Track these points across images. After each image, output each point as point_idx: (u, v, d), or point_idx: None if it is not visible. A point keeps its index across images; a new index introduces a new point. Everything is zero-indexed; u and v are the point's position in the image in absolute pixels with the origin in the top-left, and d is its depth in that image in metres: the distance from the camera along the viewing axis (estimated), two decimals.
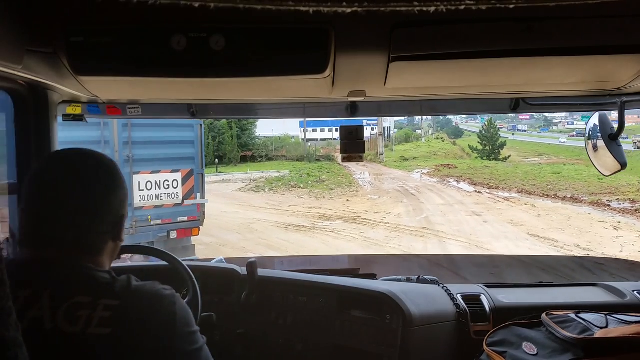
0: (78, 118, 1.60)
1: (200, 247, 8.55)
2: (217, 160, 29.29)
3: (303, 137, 39.30)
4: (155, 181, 6.98)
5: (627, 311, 1.44)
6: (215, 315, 1.63)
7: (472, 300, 1.73)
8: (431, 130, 48.74)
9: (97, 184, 0.88)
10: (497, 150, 35.91)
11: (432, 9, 0.38)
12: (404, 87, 1.39)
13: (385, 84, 1.26)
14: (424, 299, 1.69)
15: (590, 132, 1.56)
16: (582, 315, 1.36)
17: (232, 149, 31.52)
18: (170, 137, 7.07)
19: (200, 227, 7.40)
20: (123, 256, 1.59)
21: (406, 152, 36.23)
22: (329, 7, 0.37)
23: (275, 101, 1.67)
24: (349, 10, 0.37)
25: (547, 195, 17.51)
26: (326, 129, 45.03)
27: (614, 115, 1.56)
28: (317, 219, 14.12)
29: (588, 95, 1.52)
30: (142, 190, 6.88)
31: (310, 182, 21.43)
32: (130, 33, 0.97)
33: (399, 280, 1.92)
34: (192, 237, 7.39)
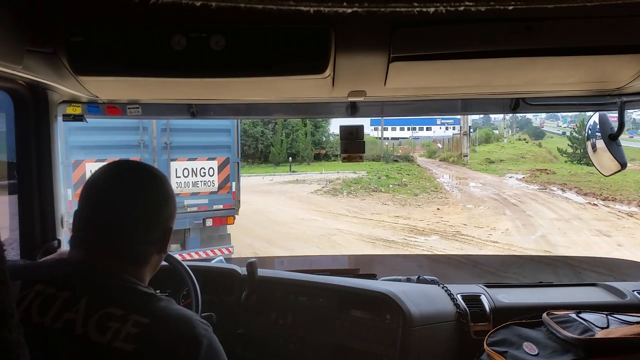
0: (78, 118, 1.60)
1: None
2: (290, 158, 27.99)
3: (379, 136, 36.74)
4: (192, 168, 6.99)
5: (628, 311, 1.44)
6: (215, 315, 1.63)
7: (472, 300, 1.73)
8: (510, 131, 45.20)
9: (148, 196, 0.91)
10: None
11: (432, 9, 0.38)
12: (404, 87, 1.39)
13: (385, 84, 1.26)
14: (424, 299, 1.69)
15: (590, 132, 1.57)
16: (583, 315, 1.36)
17: (306, 146, 29.92)
18: (207, 124, 7.05)
19: (236, 216, 7.39)
20: None
21: (490, 153, 32.40)
22: (329, 7, 0.37)
23: (276, 101, 1.67)
24: (349, 10, 0.37)
25: None
26: (397, 127, 44.04)
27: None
28: (408, 232, 11.59)
29: (588, 95, 1.52)
30: (179, 177, 6.91)
31: (391, 186, 19.27)
32: (130, 33, 0.97)
33: (399, 280, 1.92)
34: (227, 226, 7.38)
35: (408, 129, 44.45)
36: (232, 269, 1.87)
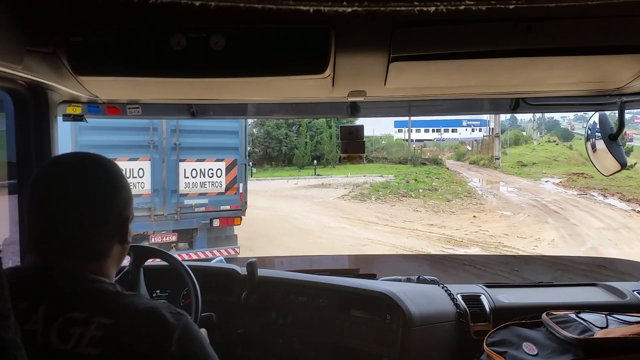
0: (78, 118, 1.60)
1: None
2: (315, 161, 26.94)
3: (406, 138, 35.11)
4: (200, 169, 7.12)
5: (628, 311, 1.44)
6: (215, 315, 1.63)
7: (472, 300, 1.73)
8: (538, 133, 42.44)
9: (97, 186, 0.87)
10: None
11: (432, 9, 0.38)
12: (404, 87, 1.39)
13: (385, 84, 1.26)
14: (424, 299, 1.69)
15: (590, 132, 1.57)
16: (583, 315, 1.36)
17: (331, 149, 28.41)
18: (215, 126, 7.17)
19: (242, 217, 7.49)
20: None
21: (522, 156, 30.45)
22: (329, 7, 0.37)
23: (276, 101, 1.67)
24: (349, 10, 0.37)
25: None
26: (422, 129, 41.01)
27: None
28: (445, 243, 10.65)
29: (588, 95, 1.52)
30: (187, 177, 7.04)
31: (421, 191, 18.23)
32: (130, 33, 0.97)
33: (399, 280, 1.92)
34: (234, 227, 7.49)
35: (433, 130, 42.10)
36: (232, 269, 1.87)
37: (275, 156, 28.62)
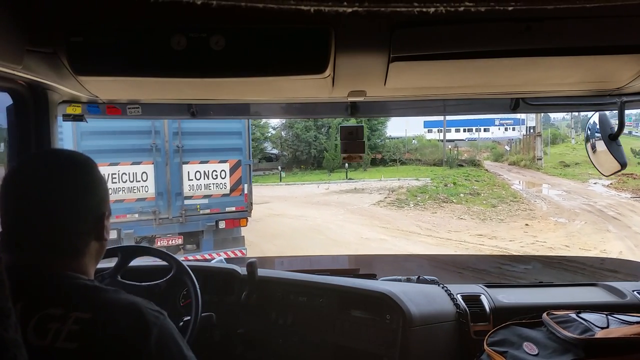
0: (78, 118, 1.60)
1: None
2: (346, 164, 23.98)
3: (440, 138, 32.93)
4: (204, 171, 7.12)
5: (628, 311, 1.44)
6: (215, 315, 1.63)
7: (472, 300, 1.73)
8: (574, 131, 38.87)
9: (71, 182, 0.86)
10: None
11: (432, 9, 0.38)
12: (404, 87, 1.39)
13: (385, 84, 1.26)
14: (424, 299, 1.69)
15: (590, 132, 1.57)
16: (583, 315, 1.36)
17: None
18: (218, 127, 7.16)
19: (248, 218, 7.50)
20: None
21: (563, 156, 28.16)
22: (329, 7, 0.37)
23: (276, 101, 1.67)
24: (349, 10, 0.37)
25: None
26: (452, 129, 38.16)
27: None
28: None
29: (588, 95, 1.52)
30: (192, 180, 7.03)
31: (462, 195, 16.70)
32: (130, 33, 0.97)
33: (399, 280, 1.92)
34: (241, 228, 7.49)
35: (464, 130, 39.91)
36: (232, 269, 1.87)
37: (304, 159, 28.07)
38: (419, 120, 36.98)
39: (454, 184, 19.04)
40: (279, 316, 1.75)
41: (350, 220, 12.85)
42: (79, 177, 0.88)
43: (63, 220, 0.84)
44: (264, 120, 27.47)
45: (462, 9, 0.38)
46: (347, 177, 23.62)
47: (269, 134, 29.85)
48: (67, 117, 1.58)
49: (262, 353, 1.75)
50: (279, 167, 25.98)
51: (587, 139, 1.59)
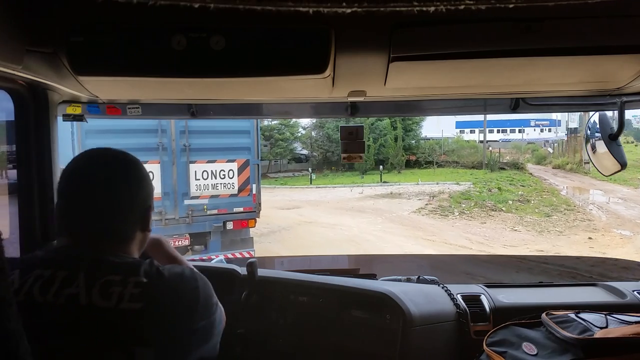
0: (78, 118, 1.60)
1: None
2: (380, 166, 24.01)
3: (480, 140, 30.74)
4: (212, 171, 6.98)
5: (627, 311, 1.44)
6: None
7: (472, 300, 1.73)
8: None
9: (123, 178, 0.96)
10: None
11: (432, 9, 0.38)
12: (404, 87, 1.39)
13: (385, 84, 1.26)
14: (424, 299, 1.69)
15: (590, 132, 1.57)
16: (582, 315, 1.36)
17: (396, 153, 25.73)
18: (226, 126, 7.03)
19: (257, 219, 7.37)
20: None
21: None
22: (328, 7, 0.37)
23: (275, 101, 1.67)
24: (348, 10, 0.37)
25: None
26: (486, 129, 34.88)
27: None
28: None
29: (588, 95, 1.52)
30: (199, 179, 6.89)
31: (511, 202, 15.16)
32: (130, 33, 0.98)
33: (399, 280, 1.92)
34: (250, 229, 7.36)
35: (497, 131, 37.42)
36: (232, 269, 1.87)
37: (335, 161, 26.93)
38: (451, 120, 34.92)
39: (499, 189, 17.62)
40: (279, 316, 1.75)
41: (390, 230, 11.57)
42: (130, 172, 0.98)
43: (114, 213, 0.94)
44: (293, 120, 26.77)
45: (462, 7, 0.38)
46: (381, 181, 22.15)
47: (299, 134, 28.99)
48: (67, 117, 1.58)
49: (262, 353, 1.75)
50: (310, 169, 25.06)
51: (587, 139, 1.60)
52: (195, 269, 0.98)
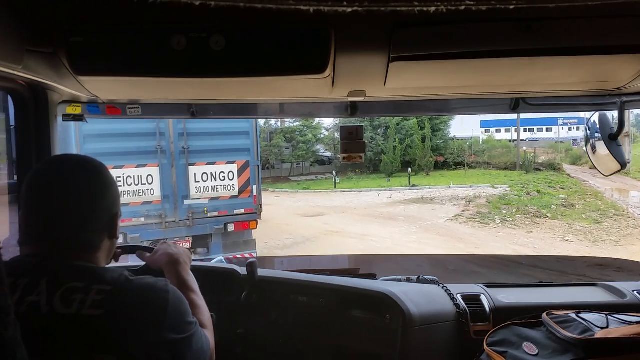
0: (78, 118, 1.60)
1: None
2: (409, 168, 22.44)
3: (512, 139, 28.98)
4: (211, 173, 6.95)
5: (628, 311, 1.44)
6: (215, 315, 1.63)
7: (472, 300, 1.73)
8: (634, 129, 33.29)
9: (87, 186, 0.94)
10: None
11: (432, 9, 0.38)
12: (404, 87, 1.39)
13: (385, 84, 1.26)
14: (424, 299, 1.69)
15: (590, 132, 1.57)
16: (583, 315, 1.36)
17: (424, 154, 24.43)
18: (225, 127, 7.00)
19: (258, 220, 7.30)
20: (122, 256, 1.59)
21: None
22: (329, 7, 0.37)
23: (276, 101, 1.67)
24: (349, 10, 0.37)
25: None
26: (512, 128, 32.53)
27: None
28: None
29: (588, 95, 1.52)
30: (198, 182, 6.87)
31: (554, 207, 13.76)
32: (130, 33, 0.98)
33: (399, 280, 1.92)
34: (252, 231, 7.27)
35: (524, 130, 34.57)
36: (232, 269, 1.87)
37: (359, 163, 26.18)
38: (476, 119, 33.15)
39: (538, 192, 16.20)
40: (279, 316, 1.75)
41: (427, 241, 10.36)
42: (96, 180, 0.96)
43: (79, 221, 0.92)
44: (316, 121, 25.77)
45: (462, 7, 0.38)
46: (410, 184, 20.93)
47: (322, 136, 27.84)
48: (67, 117, 1.58)
49: (262, 353, 1.75)
50: (333, 172, 24.24)
51: (587, 139, 1.60)
52: (174, 287, 0.94)
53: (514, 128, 31.84)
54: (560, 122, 36.72)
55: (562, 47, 1.01)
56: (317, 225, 12.04)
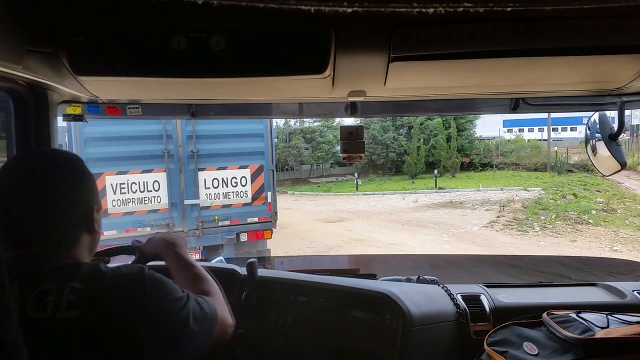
0: (78, 118, 1.60)
1: None
2: (435, 170, 20.96)
3: (541, 138, 27.47)
4: (222, 178, 6.45)
5: (628, 311, 1.44)
6: None
7: (472, 300, 1.73)
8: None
9: (58, 180, 0.91)
10: None
11: (432, 9, 0.38)
12: (404, 87, 1.39)
13: (385, 84, 1.26)
14: (424, 299, 1.69)
15: (590, 132, 1.57)
16: (583, 315, 1.36)
17: (450, 154, 23.23)
18: (237, 129, 6.52)
19: (273, 229, 6.77)
20: (121, 257, 1.59)
21: None
22: (329, 7, 0.37)
23: (276, 101, 1.67)
24: (349, 10, 0.37)
25: None
26: (535, 128, 31.76)
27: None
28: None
29: (588, 95, 1.53)
30: (209, 188, 6.38)
31: (594, 212, 12.61)
32: (130, 33, 0.98)
33: (399, 280, 1.92)
34: (267, 241, 6.74)
35: (553, 128, 30.76)
36: (232, 269, 1.87)
37: (381, 164, 24.65)
38: (498, 118, 31.84)
39: (574, 195, 15.06)
40: (279, 316, 1.75)
41: (463, 252, 9.47)
42: (65, 173, 0.93)
43: (53, 217, 0.89)
44: (337, 121, 24.15)
45: (461, 9, 0.38)
46: (436, 186, 19.48)
47: None
48: (67, 117, 1.58)
49: (262, 353, 1.75)
50: (355, 174, 23.25)
51: (587, 139, 1.60)
52: (151, 271, 0.91)
53: (537, 127, 30.49)
54: (584, 120, 35.22)
55: (562, 47, 1.01)
56: (340, 232, 11.31)
